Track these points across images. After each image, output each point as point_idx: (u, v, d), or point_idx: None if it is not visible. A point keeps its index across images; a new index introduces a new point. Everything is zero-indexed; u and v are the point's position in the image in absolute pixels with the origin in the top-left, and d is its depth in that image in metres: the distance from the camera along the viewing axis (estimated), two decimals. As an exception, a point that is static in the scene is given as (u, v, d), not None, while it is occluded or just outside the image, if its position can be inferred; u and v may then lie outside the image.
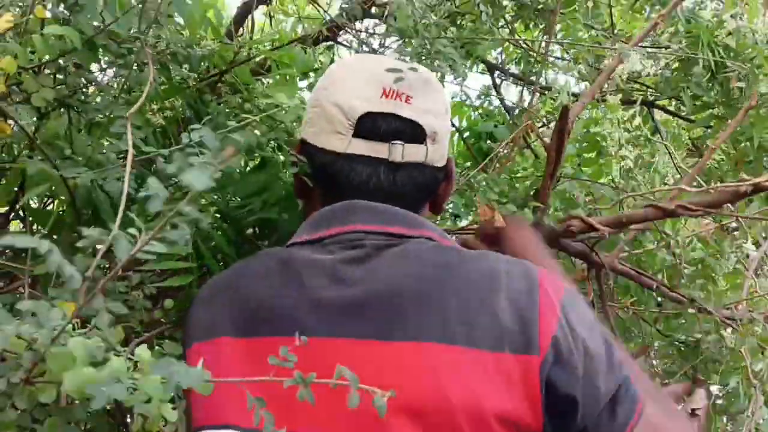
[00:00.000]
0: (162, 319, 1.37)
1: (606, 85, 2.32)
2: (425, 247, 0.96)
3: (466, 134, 2.68)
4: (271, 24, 2.81)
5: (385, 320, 0.87)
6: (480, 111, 2.78)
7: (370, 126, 1.00)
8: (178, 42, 1.51)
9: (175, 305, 1.28)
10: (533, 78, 2.52)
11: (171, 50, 1.49)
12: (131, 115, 1.04)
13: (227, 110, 1.58)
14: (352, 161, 1.01)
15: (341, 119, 1.00)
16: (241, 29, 2.49)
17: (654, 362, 2.17)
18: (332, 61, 1.75)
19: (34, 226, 1.43)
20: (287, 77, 1.69)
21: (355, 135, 1.00)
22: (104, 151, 1.21)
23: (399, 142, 1.00)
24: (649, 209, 1.65)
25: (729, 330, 1.81)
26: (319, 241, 1.00)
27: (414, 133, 1.02)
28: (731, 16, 2.11)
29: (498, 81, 2.83)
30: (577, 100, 2.21)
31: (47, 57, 1.19)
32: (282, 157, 1.51)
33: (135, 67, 1.30)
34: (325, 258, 0.96)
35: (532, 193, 1.73)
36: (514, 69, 2.96)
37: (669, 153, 2.19)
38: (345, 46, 2.09)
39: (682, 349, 1.88)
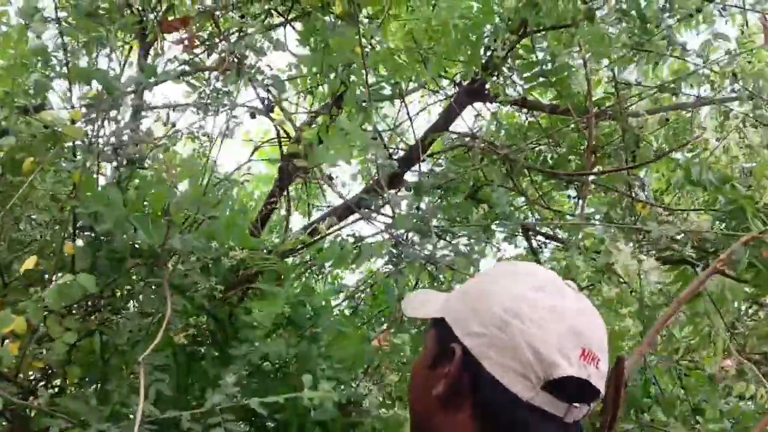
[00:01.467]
0: None
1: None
2: None
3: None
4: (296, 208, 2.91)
5: None
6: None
7: (562, 387, 0.94)
8: (207, 255, 1.54)
9: None
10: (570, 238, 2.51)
11: (200, 263, 1.52)
12: (144, 360, 1.05)
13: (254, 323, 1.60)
14: (533, 413, 0.95)
15: (537, 370, 0.95)
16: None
17: None
18: (359, 253, 1.75)
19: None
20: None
21: (542, 387, 0.95)
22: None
23: (578, 405, 0.96)
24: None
25: None
26: None
27: (591, 397, 0.97)
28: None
29: (534, 243, 2.83)
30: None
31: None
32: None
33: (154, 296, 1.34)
34: None
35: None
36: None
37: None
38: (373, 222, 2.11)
39: None
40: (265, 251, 1.71)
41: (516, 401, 0.94)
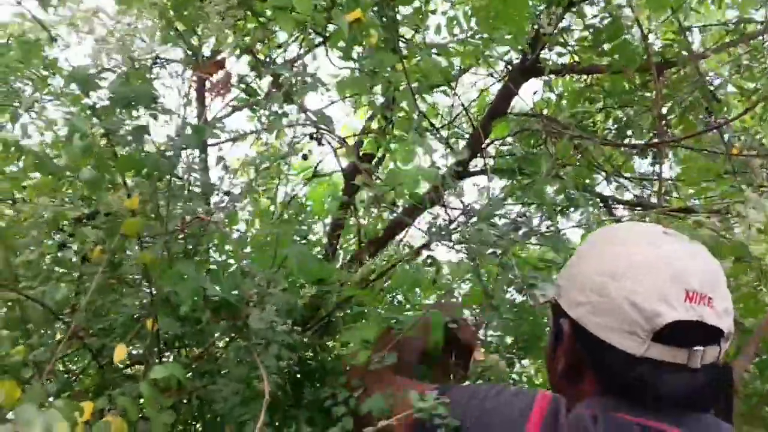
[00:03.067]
0: None
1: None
2: None
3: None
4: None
5: None
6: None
7: (673, 333, 0.95)
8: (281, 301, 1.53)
9: None
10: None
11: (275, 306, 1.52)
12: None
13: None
14: (654, 367, 0.96)
15: (641, 323, 0.95)
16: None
17: None
18: (437, 268, 1.71)
19: None
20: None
21: (654, 339, 0.95)
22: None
23: (700, 348, 0.95)
24: None
25: None
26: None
27: (713, 337, 0.97)
28: None
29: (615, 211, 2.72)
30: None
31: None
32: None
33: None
34: None
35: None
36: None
37: None
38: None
39: None
40: (339, 284, 1.70)
41: (630, 359, 0.96)
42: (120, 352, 1.23)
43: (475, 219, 1.63)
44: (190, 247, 1.38)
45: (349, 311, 1.65)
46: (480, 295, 1.71)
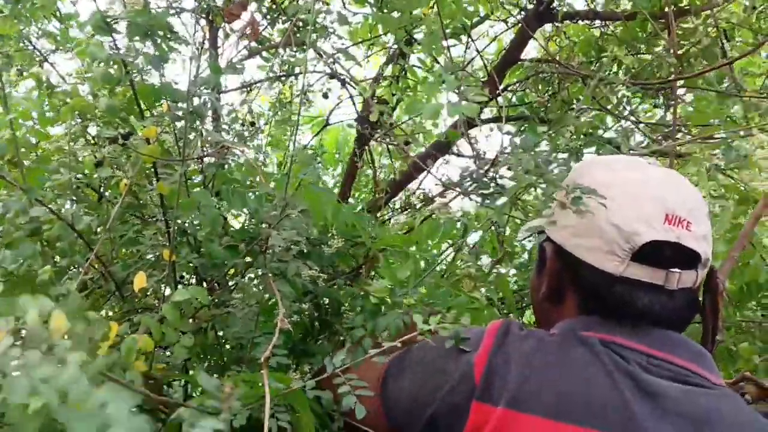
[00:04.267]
0: None
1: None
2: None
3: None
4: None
5: None
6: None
7: (651, 253, 0.97)
8: (307, 242, 1.54)
9: None
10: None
11: (300, 250, 1.54)
12: (266, 360, 1.09)
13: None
14: (631, 287, 0.99)
15: (620, 243, 0.98)
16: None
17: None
18: (465, 229, 1.72)
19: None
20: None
21: (633, 259, 0.98)
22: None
23: (677, 270, 0.98)
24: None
25: None
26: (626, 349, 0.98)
27: (691, 260, 1.00)
28: None
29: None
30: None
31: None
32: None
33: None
34: (644, 376, 0.95)
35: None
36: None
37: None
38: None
39: None
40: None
41: (610, 278, 1.00)
42: (139, 281, 1.26)
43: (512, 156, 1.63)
44: (207, 175, 1.40)
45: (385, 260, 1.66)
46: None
